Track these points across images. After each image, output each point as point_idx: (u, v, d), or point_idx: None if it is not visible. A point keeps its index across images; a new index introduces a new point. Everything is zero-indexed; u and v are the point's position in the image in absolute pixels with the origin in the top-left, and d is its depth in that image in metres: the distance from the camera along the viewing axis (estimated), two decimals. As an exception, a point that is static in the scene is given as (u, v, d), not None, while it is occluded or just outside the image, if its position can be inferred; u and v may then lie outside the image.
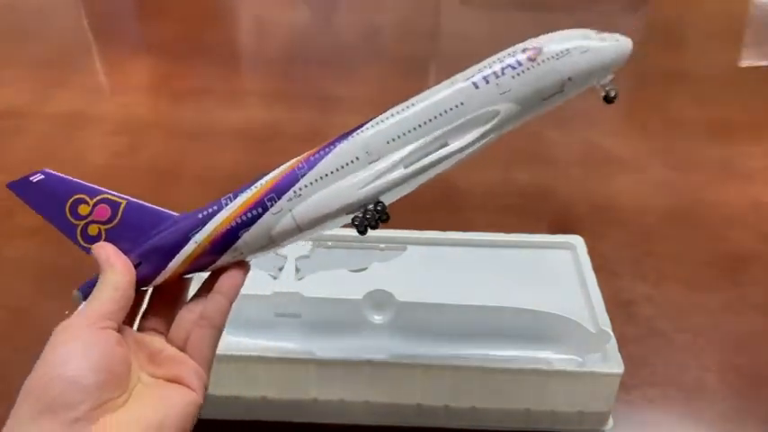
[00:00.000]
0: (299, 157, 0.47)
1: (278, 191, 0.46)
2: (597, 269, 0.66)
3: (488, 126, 0.47)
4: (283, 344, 0.62)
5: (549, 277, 0.67)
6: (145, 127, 1.12)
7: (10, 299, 0.75)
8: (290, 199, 0.46)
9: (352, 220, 0.46)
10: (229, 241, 0.46)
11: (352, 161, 0.46)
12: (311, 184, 0.46)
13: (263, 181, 0.47)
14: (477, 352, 0.62)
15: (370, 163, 0.46)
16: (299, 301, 0.63)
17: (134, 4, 1.73)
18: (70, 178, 0.48)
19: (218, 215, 0.46)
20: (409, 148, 0.46)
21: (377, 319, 0.64)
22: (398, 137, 0.46)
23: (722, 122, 1.11)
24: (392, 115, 0.47)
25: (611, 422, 0.61)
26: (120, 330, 0.42)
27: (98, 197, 0.47)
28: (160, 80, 1.28)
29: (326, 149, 0.47)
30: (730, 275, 0.79)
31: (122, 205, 0.47)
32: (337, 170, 0.46)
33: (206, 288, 0.47)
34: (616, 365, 0.57)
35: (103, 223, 0.47)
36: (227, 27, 1.59)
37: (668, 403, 0.64)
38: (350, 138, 0.47)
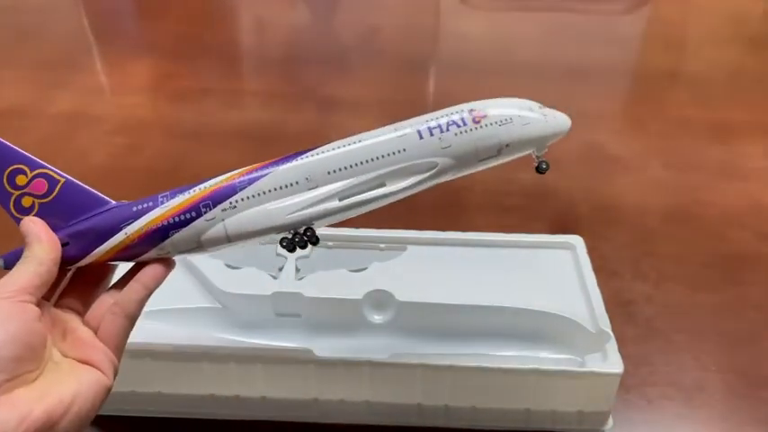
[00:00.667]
0: (241, 170, 0.49)
1: (214, 199, 0.48)
2: (597, 269, 0.67)
3: (424, 175, 0.49)
4: (284, 344, 0.62)
5: (549, 277, 0.67)
6: (145, 127, 1.12)
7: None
8: (225, 209, 0.47)
9: (281, 240, 0.48)
10: (158, 238, 0.47)
11: (291, 184, 0.48)
12: (248, 198, 0.48)
13: (202, 186, 0.48)
14: (477, 352, 0.62)
15: (308, 189, 0.48)
16: (299, 301, 0.63)
17: (134, 4, 1.73)
18: (14, 147, 0.49)
19: (153, 211, 0.48)
20: (347, 182, 0.48)
21: (377, 318, 0.64)
22: (339, 169, 0.48)
23: (722, 123, 1.11)
24: (338, 147, 0.49)
25: (610, 422, 0.61)
26: (38, 305, 0.42)
27: (38, 171, 0.48)
28: (160, 80, 1.28)
29: (269, 168, 0.48)
30: (730, 275, 0.79)
31: (60, 183, 0.48)
32: (275, 190, 0.48)
33: (128, 277, 0.48)
34: (616, 365, 0.57)
35: (38, 197, 0.48)
36: (227, 27, 1.59)
37: (668, 403, 0.64)
38: (294, 161, 0.49)
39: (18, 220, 0.47)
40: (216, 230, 0.47)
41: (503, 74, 1.25)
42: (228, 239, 0.47)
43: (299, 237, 0.48)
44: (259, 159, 0.49)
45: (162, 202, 0.48)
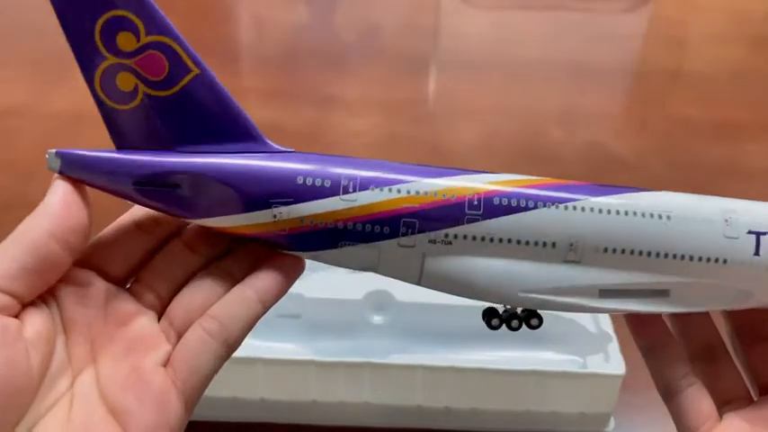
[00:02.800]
0: (477, 184, 0.32)
1: (426, 219, 0.31)
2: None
3: (728, 305, 0.34)
4: (283, 345, 0.61)
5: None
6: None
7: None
8: (434, 242, 0.31)
9: (486, 312, 0.35)
10: (322, 243, 0.32)
11: (544, 243, 0.32)
12: (473, 239, 0.31)
13: (411, 188, 0.31)
14: (477, 353, 0.62)
15: (564, 262, 0.32)
16: (299, 301, 0.63)
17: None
18: None
19: (326, 200, 0.31)
20: (623, 275, 0.32)
21: (377, 319, 0.64)
22: (621, 251, 0.32)
23: (724, 122, 1.11)
24: (634, 213, 0.32)
25: (612, 423, 0.60)
26: (26, 306, 0.27)
27: (158, 37, 0.30)
28: (159, 79, 1.28)
29: (522, 202, 0.32)
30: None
31: (191, 75, 0.30)
32: (518, 243, 0.32)
33: (243, 257, 0.31)
34: (618, 366, 0.57)
35: (149, 83, 0.30)
36: (226, 25, 1.59)
37: (670, 404, 0.64)
38: (561, 206, 0.32)
39: (101, 105, 0.30)
40: (409, 264, 0.32)
41: (504, 73, 1.24)
42: (418, 281, 0.33)
43: (518, 319, 0.35)
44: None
45: (345, 189, 0.31)
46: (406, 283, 0.64)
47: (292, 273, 0.33)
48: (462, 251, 0.32)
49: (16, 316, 0.27)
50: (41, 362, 0.27)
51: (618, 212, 0.32)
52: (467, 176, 0.32)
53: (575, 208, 0.32)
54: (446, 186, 0.32)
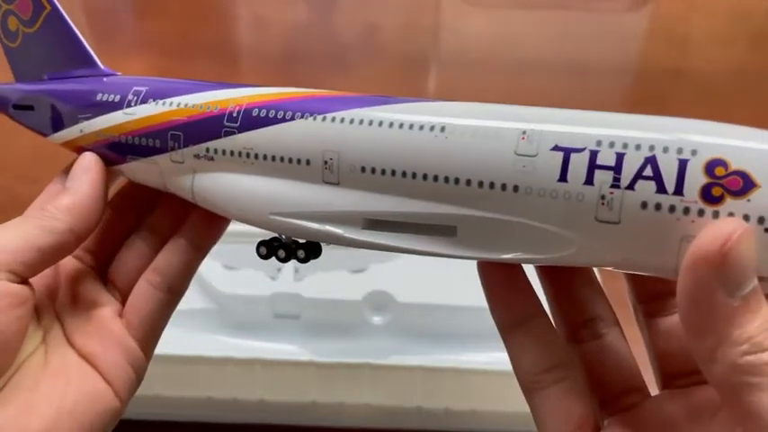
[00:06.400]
0: (241, 95, 0.29)
1: (188, 132, 0.30)
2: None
3: (540, 255, 0.25)
4: (282, 346, 0.61)
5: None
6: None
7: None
8: (198, 156, 0.30)
9: (259, 243, 0.32)
10: (115, 157, 0.32)
11: (299, 160, 0.28)
12: (232, 154, 0.29)
13: (182, 101, 0.30)
14: (477, 354, 0.62)
15: (324, 183, 0.27)
16: (298, 302, 0.63)
17: (132, 1, 1.72)
18: None
19: (112, 114, 0.32)
20: (391, 204, 0.27)
21: (376, 320, 0.63)
22: (381, 172, 0.26)
23: (725, 121, 1.10)
24: (400, 126, 0.26)
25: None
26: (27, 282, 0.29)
27: None
28: (159, 78, 1.27)
29: (281, 114, 0.28)
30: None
31: (45, 12, 0.34)
32: (273, 159, 0.28)
33: (166, 213, 0.34)
34: (619, 368, 0.56)
35: (23, 23, 0.35)
36: (225, 25, 1.58)
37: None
38: (320, 117, 0.27)
39: (3, 45, 0.36)
40: (182, 182, 0.30)
41: (504, 72, 1.24)
42: (193, 200, 0.32)
43: (285, 249, 0.32)
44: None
45: (129, 103, 0.31)
46: (406, 284, 0.64)
47: (219, 216, 0.33)
48: (223, 168, 0.29)
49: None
50: (27, 322, 0.30)
51: (381, 124, 0.26)
52: (248, 89, 0.30)
53: (334, 119, 0.27)
54: (214, 98, 0.30)
